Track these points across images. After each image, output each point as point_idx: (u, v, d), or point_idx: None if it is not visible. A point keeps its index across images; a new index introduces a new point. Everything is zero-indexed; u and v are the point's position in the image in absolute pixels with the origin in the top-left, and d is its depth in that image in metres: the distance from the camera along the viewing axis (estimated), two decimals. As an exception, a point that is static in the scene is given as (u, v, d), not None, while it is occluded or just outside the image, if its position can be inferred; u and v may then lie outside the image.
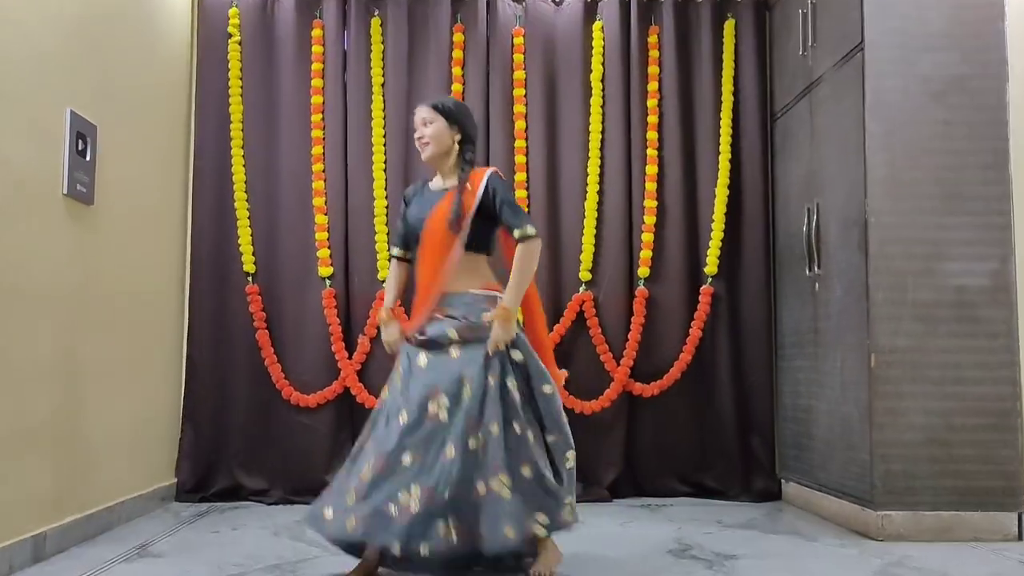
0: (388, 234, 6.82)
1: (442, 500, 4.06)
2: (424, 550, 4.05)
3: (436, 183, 4.70)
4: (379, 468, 4.17)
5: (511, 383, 4.33)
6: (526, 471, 4.20)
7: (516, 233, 4.46)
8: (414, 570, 4.37)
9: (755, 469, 6.99)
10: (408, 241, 4.72)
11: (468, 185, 4.53)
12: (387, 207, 6.90)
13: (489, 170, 4.62)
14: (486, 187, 4.51)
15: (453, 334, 4.36)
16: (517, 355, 4.41)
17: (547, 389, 4.43)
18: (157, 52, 6.45)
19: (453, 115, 4.63)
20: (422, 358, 4.39)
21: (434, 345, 4.39)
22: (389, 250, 5.05)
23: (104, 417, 5.56)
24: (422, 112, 4.62)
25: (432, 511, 4.06)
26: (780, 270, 6.97)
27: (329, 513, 4.26)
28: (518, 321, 4.54)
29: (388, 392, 4.45)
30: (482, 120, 7.03)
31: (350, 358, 6.81)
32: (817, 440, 6.21)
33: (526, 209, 6.86)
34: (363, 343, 6.82)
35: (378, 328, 6.48)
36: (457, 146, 4.64)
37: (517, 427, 4.25)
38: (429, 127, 4.58)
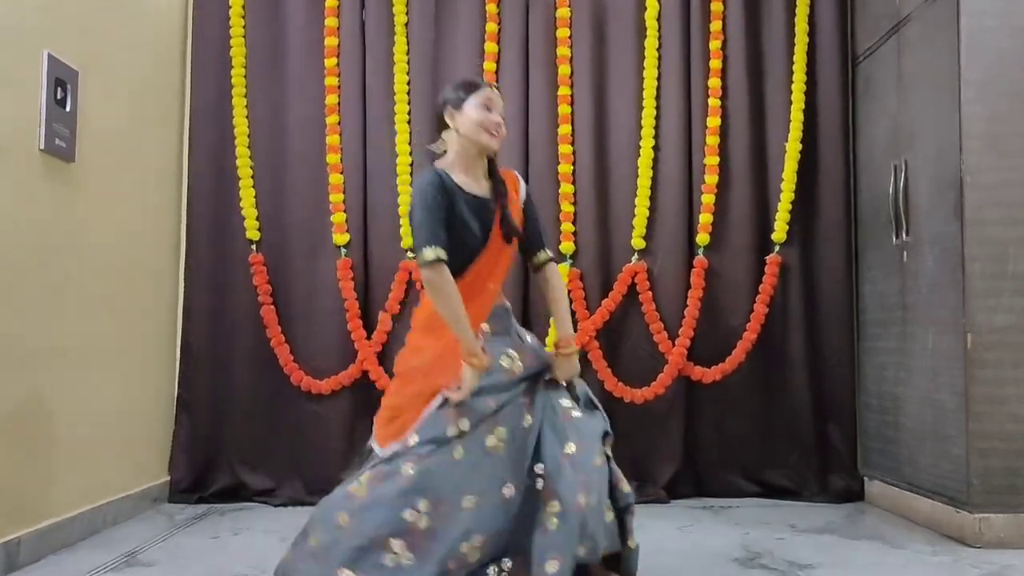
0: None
1: (500, 545, 3.98)
2: None
3: (467, 184, 4.34)
4: (438, 515, 3.94)
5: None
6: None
7: (544, 255, 4.47)
8: None
9: (833, 465, 6.95)
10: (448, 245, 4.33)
11: (510, 190, 4.40)
12: (411, 164, 6.91)
13: (519, 177, 4.51)
14: (527, 197, 4.46)
15: (516, 360, 4.21)
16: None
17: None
18: (148, -14, 6.46)
19: None
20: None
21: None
22: (423, 249, 4.00)
23: (88, 406, 5.58)
24: (501, 100, 4.35)
25: (490, 557, 3.98)
26: (862, 237, 6.92)
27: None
28: None
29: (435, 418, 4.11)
30: (520, 65, 7.04)
31: (369, 338, 6.82)
32: (905, 432, 6.16)
33: (572, 167, 6.91)
34: (384, 320, 6.82)
35: (401, 304, 6.68)
36: None
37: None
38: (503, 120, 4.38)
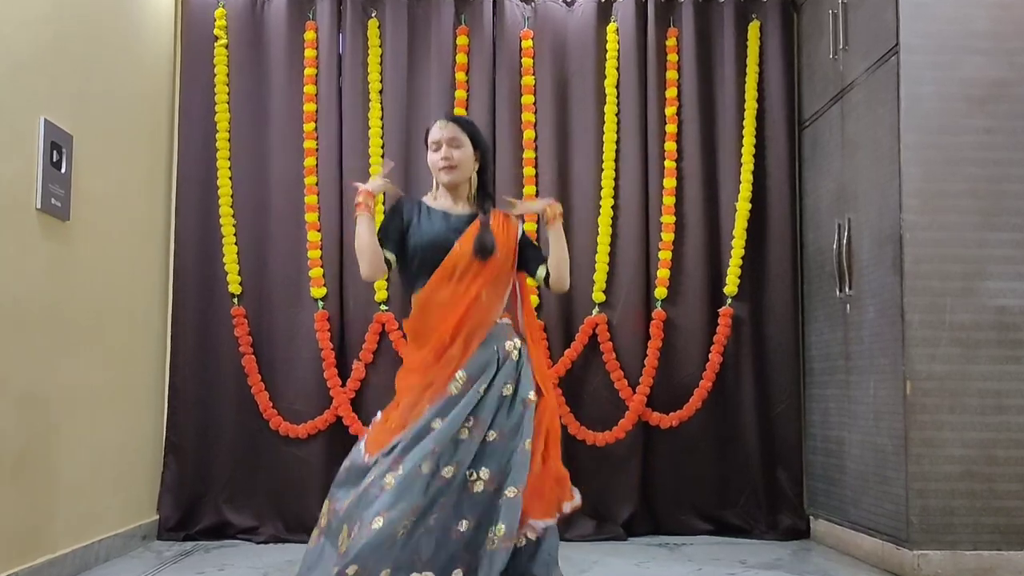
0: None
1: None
2: None
3: (447, 205, 4.58)
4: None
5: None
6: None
7: (543, 269, 4.62)
8: None
9: (781, 505, 6.96)
10: (399, 252, 4.59)
11: (501, 217, 4.61)
12: (386, 222, 6.88)
13: (518, 221, 4.73)
14: (522, 232, 4.69)
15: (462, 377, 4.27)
16: (508, 389, 4.33)
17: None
18: (138, 56, 6.45)
19: (478, 140, 4.61)
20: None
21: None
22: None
23: (80, 448, 5.54)
24: (450, 130, 4.52)
25: None
26: (808, 290, 6.96)
27: None
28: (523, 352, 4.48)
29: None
30: (488, 129, 7.01)
31: (343, 386, 6.81)
32: (848, 474, 6.19)
33: (536, 224, 6.94)
34: (357, 369, 6.81)
35: (374, 353, 6.72)
36: (475, 175, 4.63)
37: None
38: (457, 150, 4.50)
